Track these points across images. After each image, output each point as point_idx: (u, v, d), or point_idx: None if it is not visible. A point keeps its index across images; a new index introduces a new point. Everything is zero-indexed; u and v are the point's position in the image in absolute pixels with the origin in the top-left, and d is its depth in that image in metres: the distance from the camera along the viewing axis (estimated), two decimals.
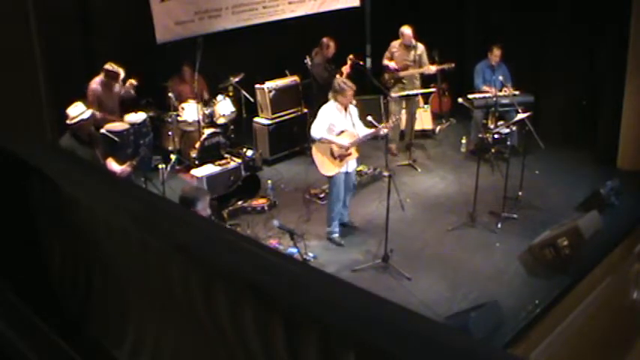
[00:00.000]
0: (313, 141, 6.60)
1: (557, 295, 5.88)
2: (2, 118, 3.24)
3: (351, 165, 6.70)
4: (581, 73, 8.89)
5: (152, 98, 8.19)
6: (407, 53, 8.71)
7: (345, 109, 6.51)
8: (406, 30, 8.65)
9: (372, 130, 6.61)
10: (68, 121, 5.92)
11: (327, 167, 6.59)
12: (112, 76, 7.28)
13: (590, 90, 8.82)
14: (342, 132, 6.51)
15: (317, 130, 6.45)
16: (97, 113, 7.06)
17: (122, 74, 7.31)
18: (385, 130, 6.69)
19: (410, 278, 6.14)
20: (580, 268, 6.20)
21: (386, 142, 7.55)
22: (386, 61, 8.86)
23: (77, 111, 5.95)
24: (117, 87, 7.46)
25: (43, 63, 3.64)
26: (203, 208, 4.70)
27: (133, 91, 7.50)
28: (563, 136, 8.81)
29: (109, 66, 7.24)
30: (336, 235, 6.82)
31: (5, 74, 3.34)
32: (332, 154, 6.52)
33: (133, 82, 7.44)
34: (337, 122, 6.49)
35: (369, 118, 6.66)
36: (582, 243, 6.17)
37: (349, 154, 6.56)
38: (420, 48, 8.70)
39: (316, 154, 6.61)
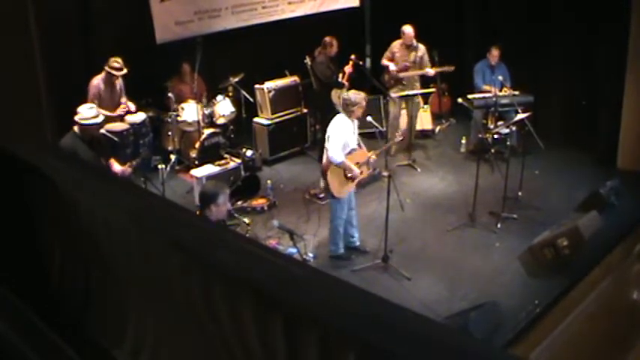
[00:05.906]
0: (330, 163, 6.19)
1: (557, 295, 5.87)
2: (2, 118, 3.23)
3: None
4: (580, 73, 8.87)
5: (152, 98, 8.19)
6: (408, 54, 8.68)
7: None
8: (407, 29, 8.61)
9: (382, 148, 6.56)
10: (78, 119, 5.80)
11: (340, 189, 6.29)
12: (113, 73, 7.28)
13: (590, 90, 8.81)
14: (352, 151, 6.25)
15: (337, 153, 6.11)
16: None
17: (124, 70, 7.28)
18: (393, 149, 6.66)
19: (410, 278, 6.14)
20: (580, 268, 6.19)
21: (385, 142, 7.55)
22: (385, 61, 8.81)
23: (90, 113, 5.84)
24: (118, 84, 7.46)
25: (43, 63, 3.64)
26: (224, 202, 4.69)
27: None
28: (563, 136, 8.81)
29: (112, 64, 7.24)
30: (342, 251, 6.56)
31: (5, 74, 3.34)
32: (345, 175, 6.26)
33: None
34: (348, 139, 6.20)
35: (369, 118, 6.65)
36: (582, 243, 6.17)
37: (361, 173, 6.34)
38: (422, 49, 8.67)
39: (332, 178, 6.22)
